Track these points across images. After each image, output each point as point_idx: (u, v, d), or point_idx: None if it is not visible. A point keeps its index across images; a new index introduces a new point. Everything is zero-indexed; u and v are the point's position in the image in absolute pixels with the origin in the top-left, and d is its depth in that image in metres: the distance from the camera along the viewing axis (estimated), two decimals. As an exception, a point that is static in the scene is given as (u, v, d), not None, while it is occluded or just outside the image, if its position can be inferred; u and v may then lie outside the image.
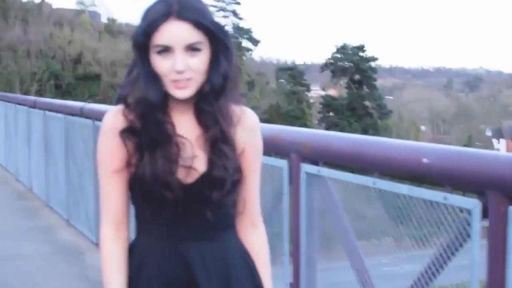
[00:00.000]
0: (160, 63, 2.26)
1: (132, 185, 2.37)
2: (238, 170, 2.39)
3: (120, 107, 2.37)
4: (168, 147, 2.31)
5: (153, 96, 2.29)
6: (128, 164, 2.36)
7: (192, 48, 2.26)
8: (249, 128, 2.45)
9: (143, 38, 2.26)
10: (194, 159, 2.33)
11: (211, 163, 2.33)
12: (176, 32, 2.24)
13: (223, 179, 2.33)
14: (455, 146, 3.34)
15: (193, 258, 2.38)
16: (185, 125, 2.36)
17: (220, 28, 2.33)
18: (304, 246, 4.21)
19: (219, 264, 2.41)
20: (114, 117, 2.37)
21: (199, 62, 2.27)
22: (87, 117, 8.80)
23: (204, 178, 2.33)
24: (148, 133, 2.31)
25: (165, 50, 2.25)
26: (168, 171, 2.29)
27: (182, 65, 2.24)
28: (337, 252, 4.13)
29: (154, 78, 2.29)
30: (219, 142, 2.34)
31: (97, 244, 8.35)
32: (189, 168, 2.32)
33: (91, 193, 8.64)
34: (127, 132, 2.34)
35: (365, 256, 3.90)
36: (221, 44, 2.32)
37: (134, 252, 2.45)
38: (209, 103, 2.33)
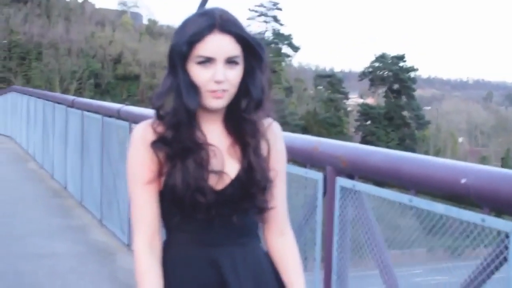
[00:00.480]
0: (201, 73, 2.31)
1: (163, 194, 2.40)
2: (268, 178, 2.44)
3: (149, 121, 2.42)
4: (199, 154, 2.35)
5: (193, 105, 2.33)
6: (159, 174, 2.39)
7: (231, 61, 2.32)
8: (275, 139, 2.51)
9: (186, 48, 2.31)
10: (225, 167, 2.39)
11: (243, 170, 2.40)
12: (219, 44, 2.30)
13: (254, 186, 2.40)
14: (494, 167, 3.26)
15: (224, 263, 2.42)
16: (214, 134, 2.42)
17: (258, 42, 2.39)
18: (336, 258, 4.17)
19: (249, 270, 2.45)
20: (143, 130, 2.41)
21: (236, 75, 2.34)
22: (124, 119, 8.82)
23: (234, 184, 2.39)
24: (180, 142, 2.35)
25: (207, 61, 2.30)
26: (200, 177, 2.34)
27: (222, 76, 2.29)
28: (368, 261, 4.08)
29: (193, 87, 2.33)
30: (254, 151, 2.41)
31: (128, 246, 8.37)
32: (220, 174, 2.38)
33: (125, 194, 8.64)
34: (159, 143, 2.37)
35: (397, 265, 3.86)
36: (258, 58, 2.38)
37: (165, 259, 2.45)
38: (249, 114, 2.40)
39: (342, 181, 4.12)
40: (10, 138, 22.93)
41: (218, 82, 2.30)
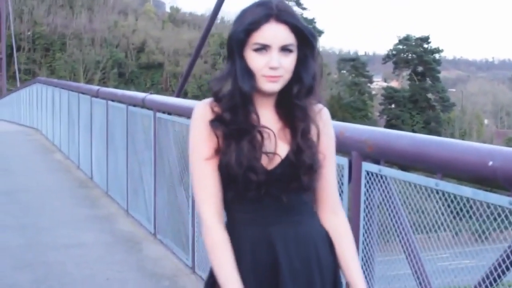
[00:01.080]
0: (256, 59, 2.47)
1: (220, 172, 2.53)
2: (316, 161, 2.57)
3: (207, 100, 2.59)
4: (254, 135, 2.50)
5: (248, 88, 2.48)
6: (217, 152, 2.53)
7: (285, 49, 2.48)
8: (324, 124, 2.64)
9: (244, 36, 2.47)
10: (276, 148, 2.54)
11: (292, 152, 2.54)
12: (275, 33, 2.47)
13: (302, 167, 2.53)
14: (522, 149, 3.21)
15: (277, 241, 2.56)
16: (267, 118, 2.57)
17: (312, 32, 2.55)
18: (363, 244, 4.15)
19: (301, 248, 2.58)
20: (203, 109, 2.57)
21: (290, 62, 2.49)
22: (148, 108, 8.83)
23: (284, 165, 2.53)
24: (236, 123, 2.50)
25: (263, 48, 2.47)
26: (253, 157, 2.48)
27: (277, 62, 2.45)
28: (395, 245, 4.06)
29: (248, 72, 2.48)
30: (302, 134, 2.55)
31: (154, 235, 8.40)
32: (271, 155, 2.53)
33: (151, 183, 8.68)
34: (216, 122, 2.53)
35: (423, 249, 3.84)
36: (310, 46, 2.54)
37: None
38: (300, 100, 2.55)
39: (368, 166, 4.09)
40: (36, 129, 23.09)
41: (273, 68, 2.46)
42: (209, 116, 2.54)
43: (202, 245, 6.84)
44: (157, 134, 8.38)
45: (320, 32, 71.40)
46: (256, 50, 2.46)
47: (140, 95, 9.58)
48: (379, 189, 4.05)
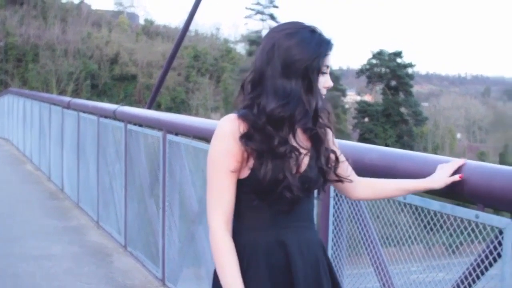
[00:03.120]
0: (319, 81, 2.71)
1: (246, 183, 2.66)
2: (332, 159, 2.84)
3: (233, 116, 2.67)
4: (292, 157, 2.65)
5: (319, 106, 2.76)
6: (240, 167, 2.65)
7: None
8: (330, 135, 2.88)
9: (321, 61, 2.69)
10: (303, 164, 2.71)
11: (313, 158, 2.76)
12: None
13: (323, 168, 2.78)
14: (488, 164, 3.23)
15: (291, 245, 2.71)
16: (298, 137, 2.71)
17: None
18: (331, 257, 4.15)
19: (311, 252, 2.77)
20: (232, 124, 2.65)
21: None
22: (119, 120, 8.81)
23: (309, 170, 2.74)
24: (273, 142, 2.63)
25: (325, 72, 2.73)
26: (290, 176, 2.63)
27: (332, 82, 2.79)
28: (363, 258, 4.07)
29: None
30: (322, 141, 2.79)
31: (125, 247, 8.35)
32: (302, 172, 2.70)
33: (122, 195, 8.64)
34: (248, 138, 2.62)
35: (395, 262, 3.85)
36: None
37: (239, 243, 2.68)
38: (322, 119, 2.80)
39: (336, 179, 4.09)
40: (7, 140, 22.91)
41: (327, 88, 2.77)
42: (238, 131, 2.62)
43: (172, 257, 6.82)
44: (128, 146, 8.36)
45: (294, 46, 71.60)
46: (323, 73, 2.71)
47: (111, 106, 9.55)
48: (347, 202, 4.07)
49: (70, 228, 9.80)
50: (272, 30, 2.74)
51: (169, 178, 6.92)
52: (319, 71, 2.68)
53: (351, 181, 2.94)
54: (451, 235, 3.41)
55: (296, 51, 2.63)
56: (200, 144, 6.17)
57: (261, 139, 2.61)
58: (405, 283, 3.75)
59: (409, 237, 3.66)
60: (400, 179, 3.12)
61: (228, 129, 2.64)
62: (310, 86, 2.66)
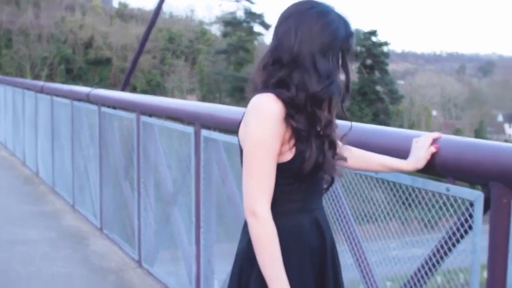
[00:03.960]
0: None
1: (288, 167, 2.61)
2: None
3: (273, 95, 2.57)
4: (332, 138, 2.68)
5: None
6: (281, 149, 2.59)
7: None
8: None
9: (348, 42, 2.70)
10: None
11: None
12: None
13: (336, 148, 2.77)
14: (458, 137, 3.23)
15: (322, 225, 2.77)
16: None
17: None
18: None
19: (330, 230, 2.85)
20: (277, 105, 2.56)
21: None
22: (93, 103, 8.75)
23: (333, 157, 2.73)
24: (319, 123, 2.61)
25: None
26: (332, 163, 2.67)
27: None
28: (338, 236, 4.06)
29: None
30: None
31: (101, 230, 8.32)
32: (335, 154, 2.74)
33: (97, 179, 8.61)
34: (293, 119, 2.57)
35: (371, 239, 3.85)
36: None
37: (279, 226, 2.61)
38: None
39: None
40: (-19, 126, 22.72)
41: None
42: (283, 113, 2.55)
43: (148, 238, 6.81)
44: (102, 129, 8.31)
45: (269, 26, 71.26)
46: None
47: (85, 89, 9.49)
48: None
49: (45, 212, 9.75)
50: (297, 9, 2.68)
51: (143, 160, 6.90)
52: (349, 51, 2.70)
53: (345, 160, 2.88)
54: (429, 210, 3.42)
55: (331, 30, 2.63)
56: (174, 125, 6.15)
57: (305, 120, 2.58)
58: (384, 260, 3.76)
59: (386, 213, 3.67)
60: (385, 156, 3.12)
61: (277, 110, 2.55)
62: (345, 66, 2.71)
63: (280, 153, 2.59)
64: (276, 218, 2.58)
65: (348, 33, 2.67)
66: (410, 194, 3.38)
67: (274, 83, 2.61)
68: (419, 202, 3.40)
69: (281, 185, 2.62)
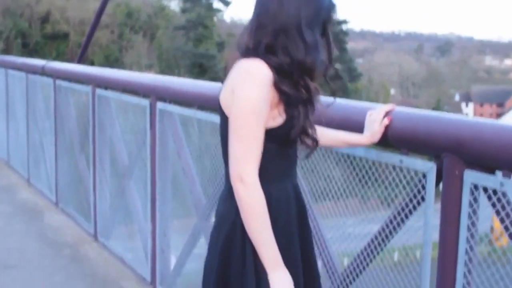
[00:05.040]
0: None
1: (277, 133, 2.63)
2: None
3: (260, 60, 2.57)
4: (313, 106, 2.71)
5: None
6: (271, 112, 2.60)
7: None
8: None
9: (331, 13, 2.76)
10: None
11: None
12: None
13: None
14: (411, 108, 3.24)
15: (300, 192, 2.83)
16: None
17: None
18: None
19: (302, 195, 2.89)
20: (267, 69, 2.56)
21: None
22: (48, 76, 8.64)
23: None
24: (306, 90, 2.64)
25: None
26: (315, 127, 2.74)
27: None
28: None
29: None
30: None
31: (56, 204, 8.26)
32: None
33: (52, 152, 8.52)
34: (287, 85, 2.59)
35: (327, 217, 3.87)
36: None
37: (267, 191, 2.61)
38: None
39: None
40: None
41: None
42: (272, 78, 2.56)
43: (104, 212, 6.77)
44: (58, 102, 8.22)
45: (228, 3, 71.10)
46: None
47: (40, 62, 9.37)
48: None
49: (0, 187, 9.64)
50: None
51: (99, 134, 6.84)
52: (331, 22, 2.74)
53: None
54: (386, 188, 3.42)
55: (317, 2, 2.67)
56: (130, 98, 6.10)
57: (292, 86, 2.60)
58: (341, 236, 3.78)
59: (344, 191, 3.68)
60: (345, 132, 3.15)
61: (268, 75, 2.56)
62: (327, 37, 2.76)
63: (269, 120, 2.60)
64: (263, 184, 2.58)
65: (331, 4, 2.71)
66: (366, 172, 3.40)
67: (261, 49, 2.61)
68: (376, 180, 3.42)
69: (268, 151, 2.62)
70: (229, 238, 2.68)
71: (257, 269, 2.61)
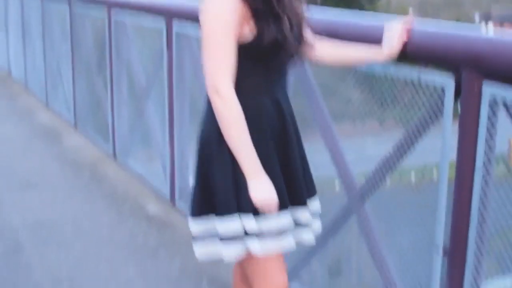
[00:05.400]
0: None
1: (249, 47, 2.61)
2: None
3: None
4: (289, 17, 2.66)
5: None
6: (239, 27, 2.58)
7: None
8: None
9: None
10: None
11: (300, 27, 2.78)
12: None
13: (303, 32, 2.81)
14: (430, 22, 3.20)
15: (284, 107, 2.78)
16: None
17: None
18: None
19: (291, 111, 2.85)
20: None
21: None
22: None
23: (295, 35, 2.72)
24: (276, 3, 2.61)
25: None
26: (293, 43, 2.68)
27: None
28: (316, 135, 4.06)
29: None
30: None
31: (75, 126, 8.32)
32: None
33: (69, 75, 8.53)
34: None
35: (348, 137, 3.87)
36: None
37: (243, 104, 2.62)
38: None
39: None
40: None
41: None
42: None
43: (122, 133, 6.82)
44: (74, 25, 8.19)
45: None
46: None
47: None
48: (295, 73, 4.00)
49: (19, 110, 9.70)
50: None
51: (116, 55, 6.82)
52: None
53: (313, 48, 2.97)
54: (405, 106, 3.38)
55: None
56: (145, 18, 6.06)
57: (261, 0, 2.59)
58: (360, 158, 3.78)
59: (364, 113, 3.66)
60: (363, 47, 3.06)
61: None
62: None
63: (241, 35, 2.59)
64: (239, 97, 2.60)
65: None
66: (385, 92, 3.37)
67: None
68: (395, 98, 3.38)
69: (243, 67, 2.63)
70: (209, 144, 2.73)
71: (237, 177, 2.65)
